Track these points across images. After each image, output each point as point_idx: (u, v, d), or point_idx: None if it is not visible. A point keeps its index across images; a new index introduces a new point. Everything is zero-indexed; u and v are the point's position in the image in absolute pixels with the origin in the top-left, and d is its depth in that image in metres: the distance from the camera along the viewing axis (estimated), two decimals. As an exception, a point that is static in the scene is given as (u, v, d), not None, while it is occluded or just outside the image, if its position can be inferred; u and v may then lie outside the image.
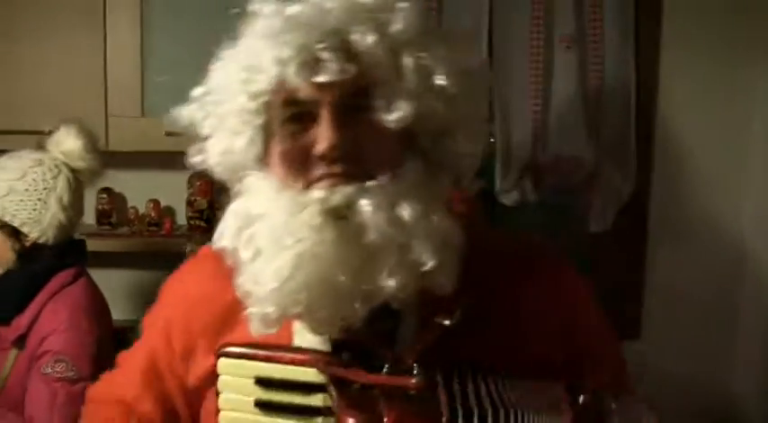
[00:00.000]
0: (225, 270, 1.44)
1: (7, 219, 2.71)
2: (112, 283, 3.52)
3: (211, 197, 3.83)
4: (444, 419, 1.25)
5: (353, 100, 1.34)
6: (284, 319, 1.36)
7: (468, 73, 1.41)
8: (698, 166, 3.87)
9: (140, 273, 3.89)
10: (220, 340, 1.48)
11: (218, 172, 1.49)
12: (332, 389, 1.33)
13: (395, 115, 1.34)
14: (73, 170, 2.82)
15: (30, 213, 2.72)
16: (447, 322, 1.36)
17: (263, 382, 1.40)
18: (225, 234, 1.41)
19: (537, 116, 3.75)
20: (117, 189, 3.85)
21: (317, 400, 1.37)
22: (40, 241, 2.75)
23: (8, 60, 3.50)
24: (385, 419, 1.25)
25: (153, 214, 3.82)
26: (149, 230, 3.82)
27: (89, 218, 3.70)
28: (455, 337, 1.35)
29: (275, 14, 1.37)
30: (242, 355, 1.42)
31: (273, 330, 1.37)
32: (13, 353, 2.69)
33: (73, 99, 3.37)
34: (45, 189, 2.75)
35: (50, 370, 2.60)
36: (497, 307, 1.45)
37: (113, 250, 3.67)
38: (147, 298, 3.90)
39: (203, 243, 3.58)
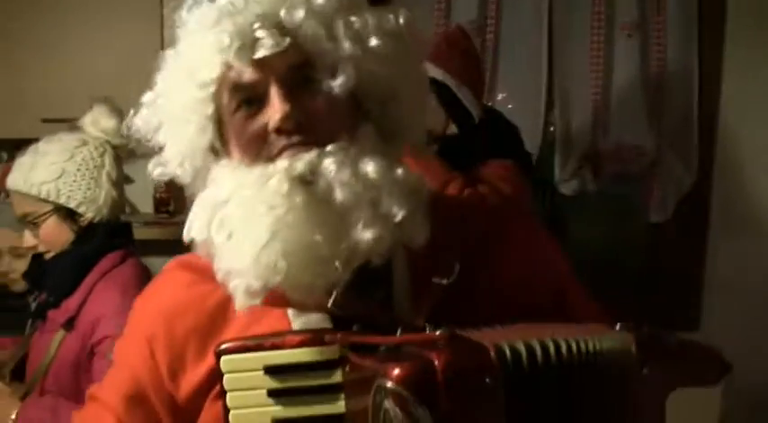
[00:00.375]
0: (199, 277, 1.45)
1: (62, 201, 2.69)
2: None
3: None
4: (492, 353, 1.21)
5: (298, 73, 1.36)
6: (268, 291, 1.34)
7: (399, 35, 1.43)
8: (761, 156, 3.81)
9: (198, 260, 3.90)
10: (209, 344, 1.44)
11: (182, 177, 1.50)
12: (356, 357, 1.30)
13: (338, 81, 1.36)
14: (113, 147, 2.82)
15: (85, 193, 2.71)
16: (445, 281, 1.36)
17: (273, 371, 1.36)
18: (194, 225, 1.40)
19: (597, 104, 3.72)
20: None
21: (336, 376, 1.34)
22: (95, 220, 2.76)
23: (65, 50, 3.55)
24: (435, 363, 1.19)
25: (210, 202, 3.82)
26: (207, 218, 3.81)
27: (147, 206, 3.74)
28: (450, 297, 1.36)
29: (208, 9, 1.40)
30: (245, 347, 1.38)
31: (257, 301, 1.35)
32: (59, 334, 2.68)
33: (129, 86, 3.35)
34: (95, 167, 2.74)
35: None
36: (483, 263, 1.48)
37: (171, 238, 3.67)
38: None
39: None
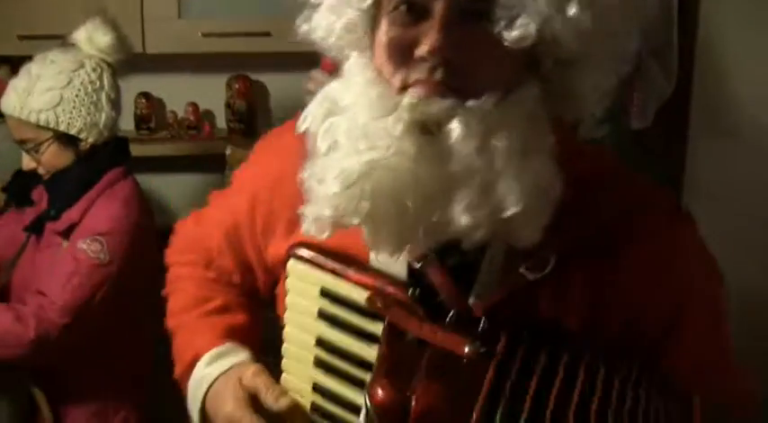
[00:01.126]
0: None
1: (62, 128, 2.69)
2: (152, 188, 3.54)
3: (251, 99, 3.83)
4: (474, 417, 1.15)
5: (473, 4, 1.17)
6: (339, 228, 1.25)
7: (615, 8, 1.22)
8: (741, 61, 3.81)
9: (180, 177, 3.92)
10: (299, 224, 1.37)
11: (324, 48, 1.36)
12: (389, 331, 1.27)
13: (514, 34, 1.16)
14: (108, 64, 2.80)
15: (85, 119, 2.70)
16: (532, 277, 1.25)
17: (327, 295, 1.38)
18: (310, 117, 1.29)
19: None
20: (155, 93, 3.84)
21: (377, 328, 1.32)
22: (97, 143, 2.75)
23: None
24: (413, 403, 1.18)
25: (192, 118, 3.82)
26: (189, 134, 3.82)
27: (128, 123, 3.71)
28: (533, 289, 1.27)
29: None
30: (311, 261, 1.38)
31: (325, 236, 1.26)
32: (65, 245, 2.72)
33: (108, 1, 3.30)
34: (94, 91, 2.73)
35: (85, 246, 2.63)
36: (591, 266, 1.30)
37: (153, 155, 3.67)
38: (187, 201, 3.95)
39: (243, 146, 3.61)
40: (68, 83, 2.69)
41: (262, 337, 1.61)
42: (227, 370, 1.52)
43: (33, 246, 2.82)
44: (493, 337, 1.21)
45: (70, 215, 2.70)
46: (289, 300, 1.43)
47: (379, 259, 1.34)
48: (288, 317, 1.44)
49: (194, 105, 3.84)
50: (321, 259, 1.38)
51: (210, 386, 1.52)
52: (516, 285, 1.26)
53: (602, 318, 1.30)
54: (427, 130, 1.18)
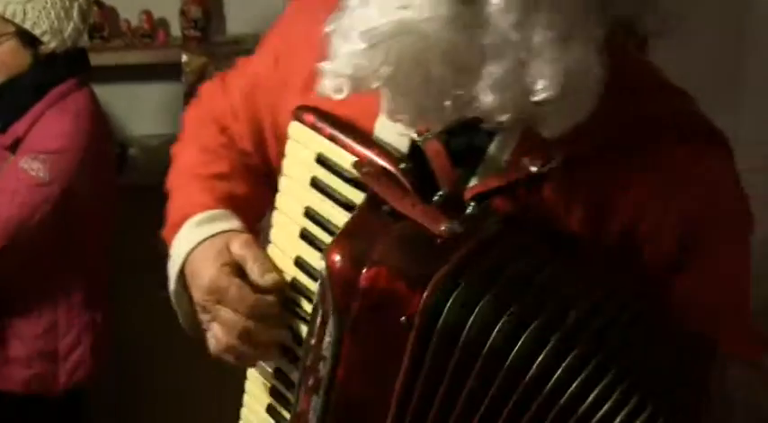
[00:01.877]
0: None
1: (27, 26, 2.62)
2: (106, 98, 3.48)
3: (206, 6, 3.76)
4: (424, 296, 1.08)
5: None
6: (356, 91, 1.17)
7: None
8: None
9: (135, 86, 3.87)
10: (313, 86, 1.29)
11: None
12: (367, 201, 1.22)
13: None
14: None
15: (52, 23, 2.63)
16: (535, 168, 1.18)
17: (323, 163, 1.30)
18: None
19: None
20: (108, 2, 3.76)
21: (360, 199, 1.26)
22: (57, 51, 2.69)
23: None
24: (363, 272, 1.13)
25: (146, 26, 3.75)
26: (143, 43, 3.75)
27: (80, 32, 3.64)
28: (537, 185, 1.21)
29: None
30: (313, 125, 1.31)
31: (340, 96, 1.18)
32: (10, 159, 2.67)
33: None
34: None
35: (26, 165, 2.58)
36: (604, 170, 1.23)
37: (107, 64, 3.60)
38: (142, 111, 3.90)
39: (199, 53, 3.56)
40: None
41: (262, 215, 1.51)
42: (216, 234, 1.44)
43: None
44: (479, 224, 1.16)
45: (16, 129, 2.65)
46: (285, 164, 1.36)
47: (382, 134, 1.29)
48: (282, 183, 1.38)
49: (148, 13, 3.76)
50: (323, 124, 1.30)
51: (195, 248, 1.44)
52: (517, 175, 1.20)
53: (604, 224, 1.24)
54: (467, 0, 1.09)
